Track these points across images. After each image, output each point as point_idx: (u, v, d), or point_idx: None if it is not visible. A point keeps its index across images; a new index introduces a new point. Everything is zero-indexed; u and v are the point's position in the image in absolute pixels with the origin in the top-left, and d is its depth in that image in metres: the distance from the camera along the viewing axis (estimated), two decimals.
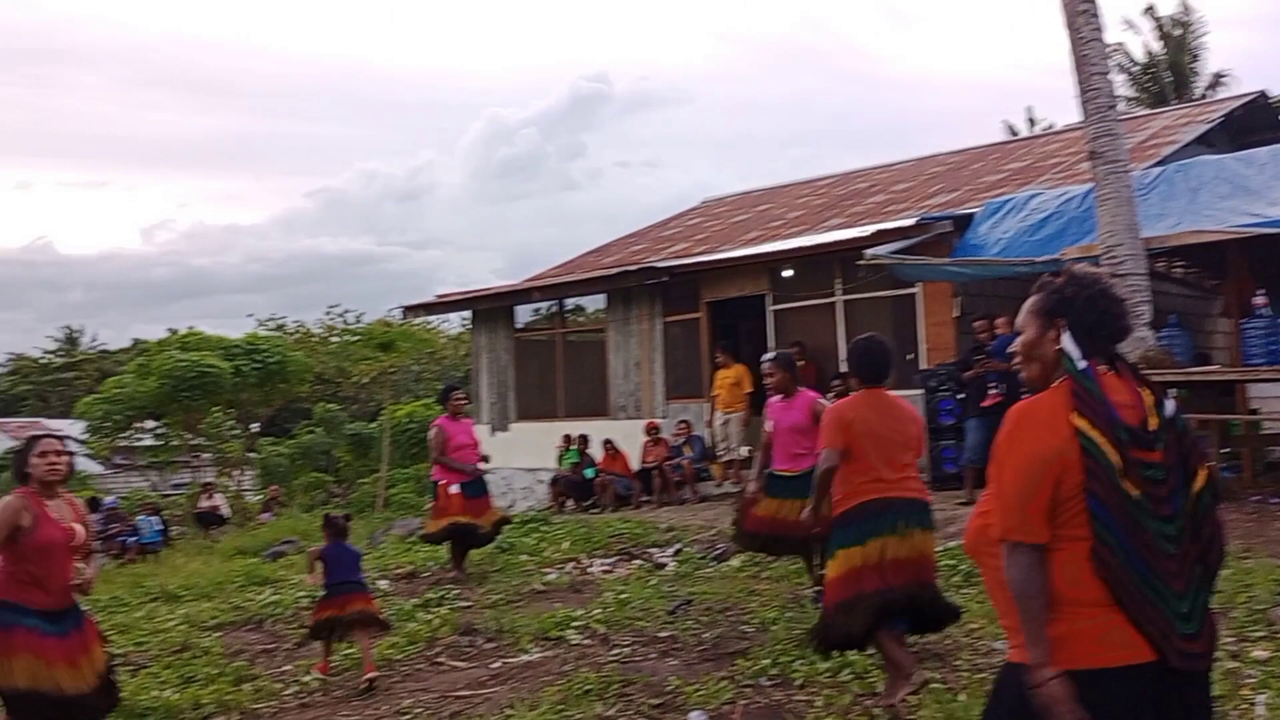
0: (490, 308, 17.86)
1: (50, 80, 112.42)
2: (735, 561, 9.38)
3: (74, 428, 24.37)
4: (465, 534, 9.99)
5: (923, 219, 12.69)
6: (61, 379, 49.58)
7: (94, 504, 18.97)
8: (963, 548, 2.97)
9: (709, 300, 15.02)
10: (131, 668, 7.57)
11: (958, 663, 5.75)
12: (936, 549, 5.50)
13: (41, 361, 52.67)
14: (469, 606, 8.52)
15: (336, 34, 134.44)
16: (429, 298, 19.32)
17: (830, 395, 9.11)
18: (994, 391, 10.37)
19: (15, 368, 53.05)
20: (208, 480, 22.71)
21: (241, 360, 23.11)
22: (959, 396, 11.31)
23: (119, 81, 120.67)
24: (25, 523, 4.81)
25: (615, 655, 6.55)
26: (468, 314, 19.04)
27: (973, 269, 11.65)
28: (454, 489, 9.87)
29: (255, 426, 26.57)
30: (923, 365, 12.43)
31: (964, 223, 12.50)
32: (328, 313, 33.49)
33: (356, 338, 25.29)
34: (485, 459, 10.27)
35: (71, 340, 54.22)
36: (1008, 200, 12.43)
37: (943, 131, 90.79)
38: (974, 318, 11.37)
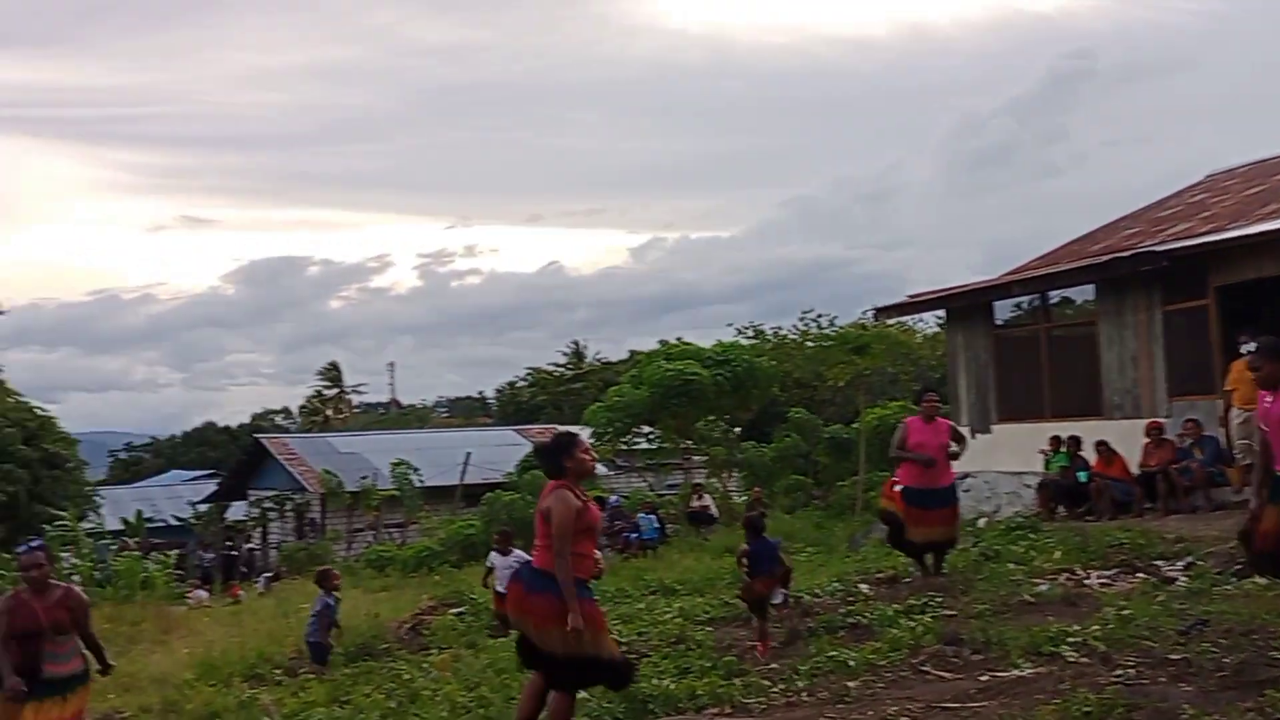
0: (966, 305, 17.23)
1: (553, 121, 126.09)
2: (1262, 579, 8.24)
3: (583, 433, 26.94)
4: (915, 549, 9.82)
5: None
6: (572, 389, 55.04)
7: (600, 502, 20.78)
8: None
9: (1219, 285, 13.38)
10: (633, 655, 8.16)
11: None
12: None
13: (555, 374, 58.91)
14: (953, 615, 8.23)
15: (802, 46, 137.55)
16: (901, 298, 19.06)
17: None
18: None
19: (534, 380, 59.75)
20: (697, 482, 24.09)
21: (715, 369, 24.29)
22: None
23: (610, 115, 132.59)
24: (579, 508, 5.50)
25: (1118, 676, 5.99)
26: (942, 313, 18.53)
27: None
28: (898, 486, 9.70)
29: (736, 430, 27.71)
30: None
31: None
32: (801, 318, 34.12)
33: (830, 342, 25.58)
34: (954, 455, 9.88)
35: (578, 354, 60.12)
36: None
37: None
38: None
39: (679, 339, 28.74)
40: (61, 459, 35.40)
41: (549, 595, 5.40)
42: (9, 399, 36.82)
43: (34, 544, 6.89)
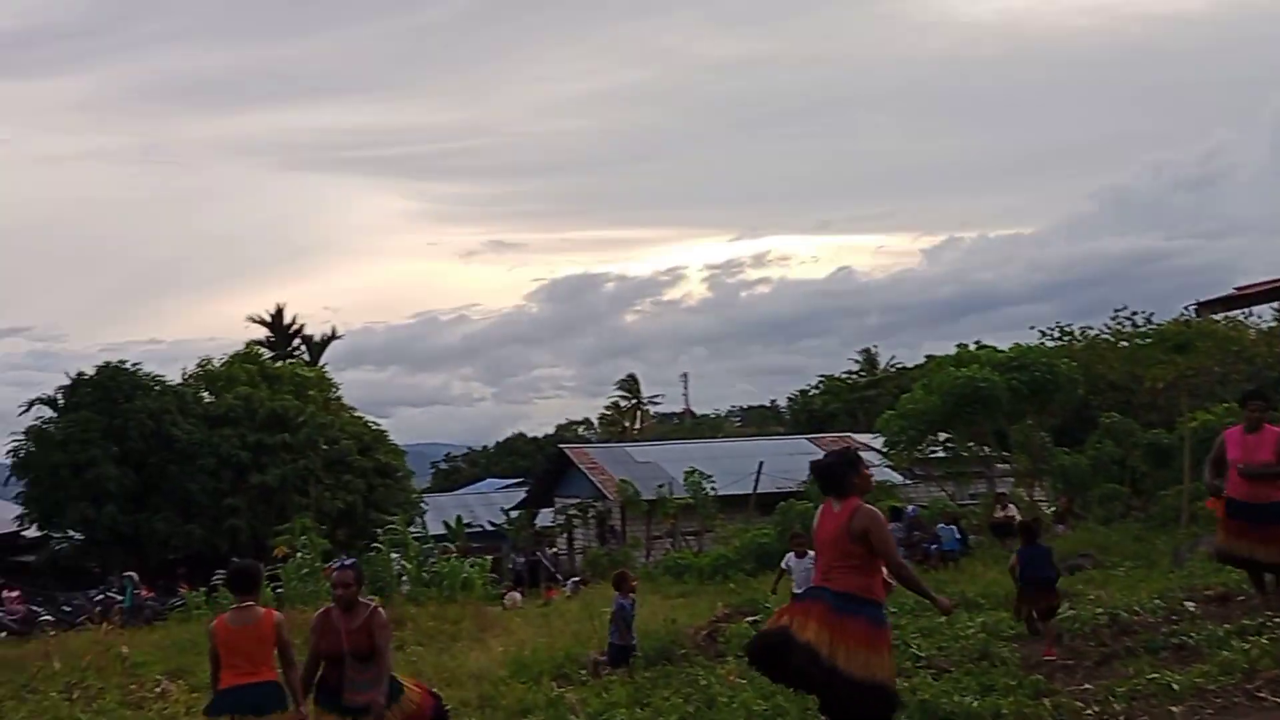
0: None
1: (842, 127, 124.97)
2: None
3: (875, 441, 26.42)
4: (1236, 563, 8.87)
5: None
6: (866, 396, 54.18)
7: (896, 514, 20.31)
8: None
9: None
10: (934, 671, 7.92)
11: None
12: None
13: (848, 381, 58.16)
14: None
15: (1109, 26, 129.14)
16: (1228, 291, 17.44)
17: None
18: None
19: (827, 387, 59.23)
20: (1001, 491, 23.02)
21: (1011, 374, 23.03)
22: None
23: (901, 115, 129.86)
24: None
25: None
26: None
27: None
28: (1221, 510, 8.72)
29: (1044, 436, 26.26)
30: None
31: None
32: (1114, 316, 31.85)
33: (1148, 340, 23.75)
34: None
35: (870, 361, 59.11)
36: None
37: None
38: None
39: (978, 342, 27.59)
40: (392, 469, 38.70)
41: (861, 620, 5.29)
42: (346, 414, 40.64)
43: (346, 562, 6.99)
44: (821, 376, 61.13)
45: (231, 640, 6.52)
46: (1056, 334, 32.33)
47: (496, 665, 11.83)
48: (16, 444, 34.09)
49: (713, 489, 31.35)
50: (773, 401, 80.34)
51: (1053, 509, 23.11)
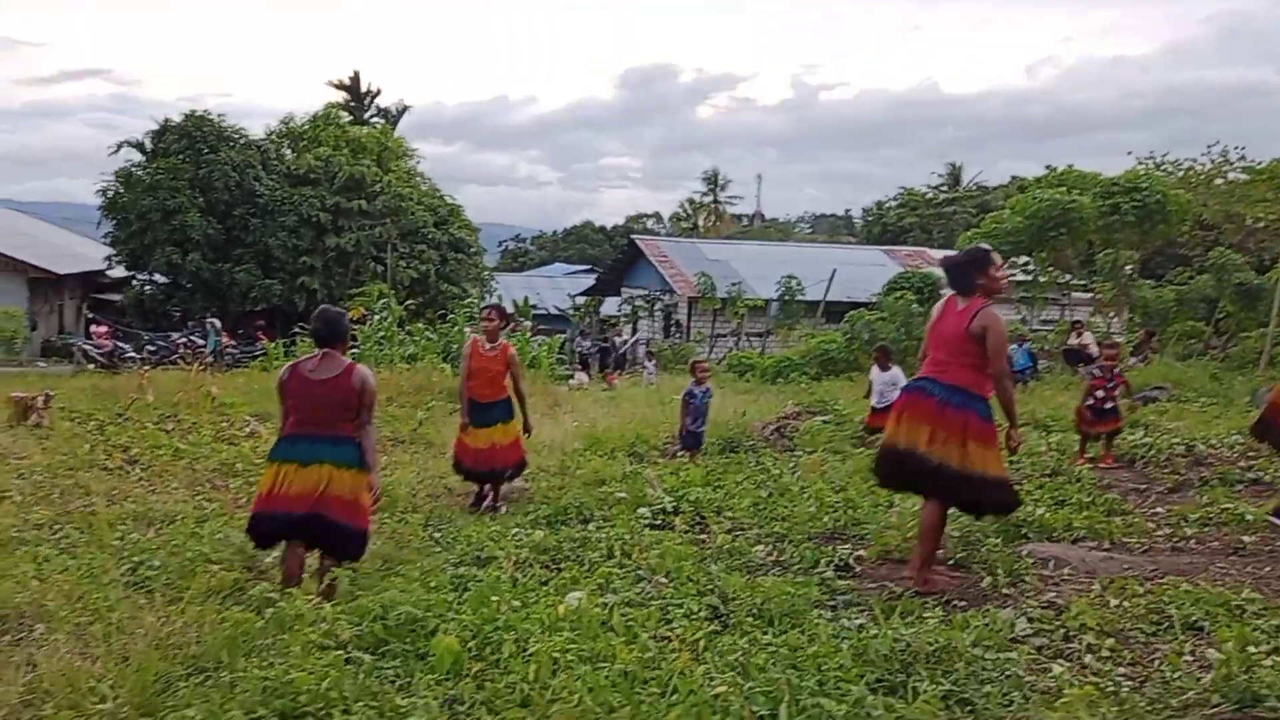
0: None
1: None
2: None
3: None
4: None
5: None
6: (943, 213, 53.13)
7: None
8: None
9: None
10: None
11: None
12: None
13: (926, 196, 56.90)
14: None
15: None
16: None
17: None
18: None
19: (904, 200, 58.07)
20: (1076, 319, 22.78)
21: (1119, 198, 22.27)
22: None
23: None
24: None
25: None
26: None
27: None
28: None
29: (1129, 269, 25.71)
30: None
31: None
32: (1206, 151, 30.36)
33: (1257, 177, 22.81)
34: None
35: (954, 176, 57.56)
36: None
37: None
38: None
39: (1070, 166, 26.71)
40: (465, 244, 39.00)
41: (971, 413, 5.30)
42: (423, 185, 40.73)
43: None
44: (901, 188, 59.85)
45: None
46: (1153, 164, 31.04)
47: (570, 439, 12.22)
48: (106, 185, 34.66)
49: (801, 294, 31.43)
50: (846, 211, 79.13)
51: (1130, 341, 22.90)
